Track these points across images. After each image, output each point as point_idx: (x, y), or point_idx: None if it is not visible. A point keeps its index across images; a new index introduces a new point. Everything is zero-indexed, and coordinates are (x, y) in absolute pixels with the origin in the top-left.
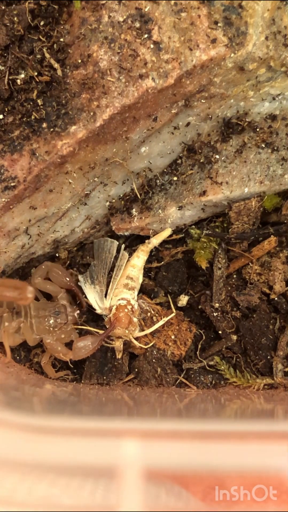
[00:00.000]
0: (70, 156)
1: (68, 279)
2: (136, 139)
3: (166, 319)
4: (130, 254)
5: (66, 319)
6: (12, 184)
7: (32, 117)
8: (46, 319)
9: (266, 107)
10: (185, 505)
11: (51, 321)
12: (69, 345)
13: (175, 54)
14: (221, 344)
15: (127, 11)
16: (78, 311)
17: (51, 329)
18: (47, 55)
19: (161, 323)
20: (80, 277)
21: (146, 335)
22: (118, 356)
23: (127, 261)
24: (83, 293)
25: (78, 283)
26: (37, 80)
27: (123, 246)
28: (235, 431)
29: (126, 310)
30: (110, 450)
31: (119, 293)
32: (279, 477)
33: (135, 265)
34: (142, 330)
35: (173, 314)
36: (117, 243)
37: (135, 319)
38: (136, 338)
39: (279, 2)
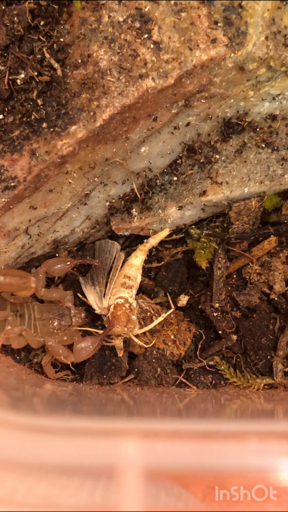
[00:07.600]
0: (70, 156)
1: (68, 262)
2: (136, 139)
3: (164, 315)
4: (129, 254)
5: (70, 321)
6: (12, 184)
7: (32, 117)
8: (50, 322)
9: (266, 107)
10: (185, 505)
11: (55, 323)
12: (70, 347)
13: (175, 54)
14: (221, 344)
15: (127, 11)
16: (84, 313)
17: (55, 331)
18: (47, 55)
19: (160, 319)
20: (81, 279)
21: (145, 335)
22: (120, 354)
23: (125, 261)
24: (83, 294)
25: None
26: (37, 80)
27: (119, 247)
28: (235, 431)
29: (124, 308)
30: (110, 450)
31: (117, 292)
32: (279, 477)
33: (132, 264)
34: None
35: (172, 310)
36: (118, 244)
37: (133, 317)
38: (137, 336)
39: (279, 2)
